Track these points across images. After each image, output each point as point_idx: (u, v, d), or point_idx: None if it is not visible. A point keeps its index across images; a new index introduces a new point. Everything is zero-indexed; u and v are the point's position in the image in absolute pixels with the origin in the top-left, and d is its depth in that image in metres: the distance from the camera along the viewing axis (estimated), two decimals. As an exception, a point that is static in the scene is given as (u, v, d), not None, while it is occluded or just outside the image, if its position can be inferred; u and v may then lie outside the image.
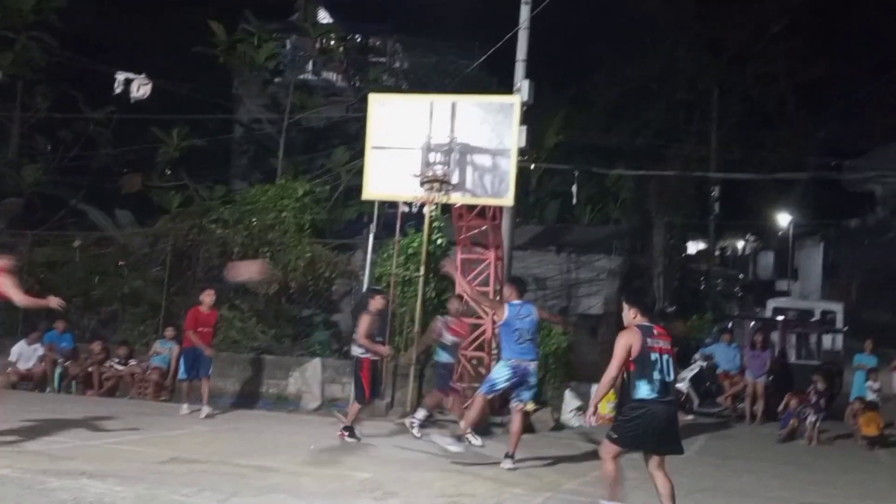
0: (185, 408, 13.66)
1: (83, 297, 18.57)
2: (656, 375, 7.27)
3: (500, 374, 10.43)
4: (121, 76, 20.71)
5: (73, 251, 18.74)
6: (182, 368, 13.94)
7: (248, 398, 16.35)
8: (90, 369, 16.58)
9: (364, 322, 11.78)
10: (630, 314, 7.60)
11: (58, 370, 16.90)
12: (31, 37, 22.13)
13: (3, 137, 22.14)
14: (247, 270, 12.38)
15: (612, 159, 22.66)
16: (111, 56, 21.97)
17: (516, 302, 10.58)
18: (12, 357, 17.09)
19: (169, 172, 22.72)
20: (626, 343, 7.35)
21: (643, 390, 7.26)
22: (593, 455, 11.81)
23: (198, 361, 13.66)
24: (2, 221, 20.22)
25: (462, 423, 10.84)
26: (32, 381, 16.74)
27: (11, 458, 9.03)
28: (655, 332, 7.43)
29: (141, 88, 19.89)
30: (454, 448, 10.44)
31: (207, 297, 13.86)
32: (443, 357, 12.83)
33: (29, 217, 21.03)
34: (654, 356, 7.30)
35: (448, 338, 12.71)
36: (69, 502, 7.44)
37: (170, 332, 16.72)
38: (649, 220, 25.08)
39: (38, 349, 17.12)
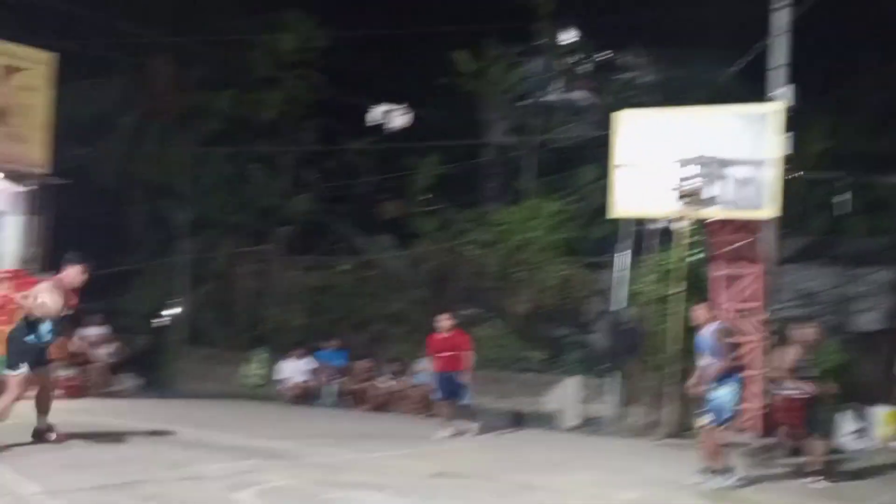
0: (441, 432, 13.10)
1: (351, 317, 19.62)
2: None
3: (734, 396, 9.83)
4: (379, 108, 21.83)
5: (340, 275, 19.87)
6: (437, 389, 13.64)
7: (506, 416, 16.58)
8: (361, 385, 17.40)
9: (790, 354, 10.64)
10: None
11: (332, 386, 17.89)
12: (297, 75, 23.77)
13: (275, 170, 23.89)
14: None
15: (886, 165, 21.08)
16: (369, 89, 23.19)
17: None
18: (281, 374, 18.33)
19: (425, 197, 23.58)
20: None
21: None
22: (875, 481, 11.05)
23: (451, 386, 13.23)
24: (277, 248, 21.81)
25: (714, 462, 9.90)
26: (307, 397, 17.82)
27: (292, 470, 9.62)
28: None
29: (399, 119, 20.84)
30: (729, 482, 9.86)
31: (443, 321, 13.41)
32: None
33: (301, 244, 22.55)
34: None
35: None
36: (347, 512, 7.84)
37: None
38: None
39: (307, 365, 18.22)
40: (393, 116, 21.70)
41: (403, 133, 22.13)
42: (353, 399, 17.55)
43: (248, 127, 23.69)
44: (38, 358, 9.98)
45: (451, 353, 13.19)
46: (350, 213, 24.05)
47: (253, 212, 22.74)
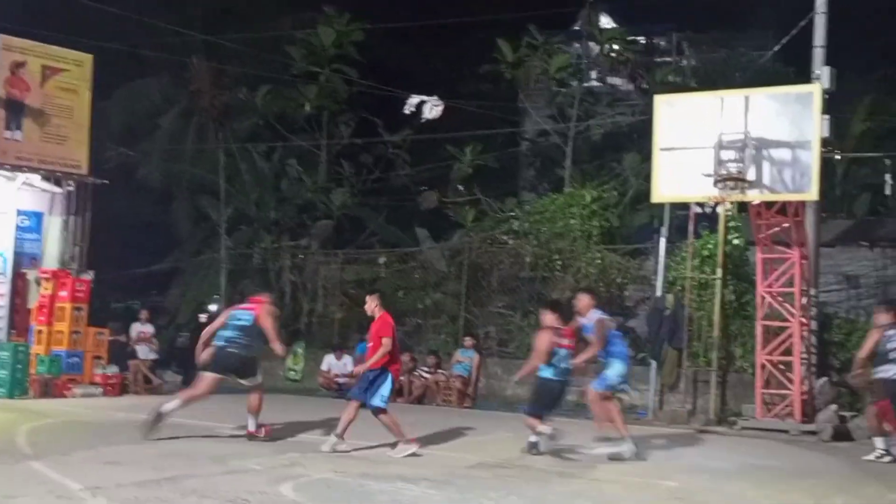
0: (330, 442, 10.49)
1: (389, 311, 19.59)
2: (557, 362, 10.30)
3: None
4: (412, 99, 21.80)
5: (378, 268, 19.92)
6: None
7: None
8: (400, 378, 17.44)
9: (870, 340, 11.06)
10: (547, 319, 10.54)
11: (369, 379, 17.93)
12: (334, 70, 23.85)
13: (312, 165, 23.99)
14: None
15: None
16: (404, 81, 23.19)
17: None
18: (325, 366, 18.43)
19: (462, 188, 23.54)
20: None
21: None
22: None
23: (363, 383, 10.64)
24: (315, 243, 21.91)
25: None
26: (343, 390, 17.85)
27: (334, 462, 9.67)
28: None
29: (433, 109, 20.80)
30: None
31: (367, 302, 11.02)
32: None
33: (338, 238, 22.64)
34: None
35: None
36: (388, 504, 7.84)
37: (468, 341, 17.33)
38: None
39: (348, 363, 18.26)
40: (429, 107, 21.65)
41: (441, 124, 22.12)
42: (393, 392, 17.56)
43: (285, 123, 23.81)
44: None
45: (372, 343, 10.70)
46: (387, 206, 24.08)
47: (291, 207, 22.85)
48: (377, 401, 10.43)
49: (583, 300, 10.96)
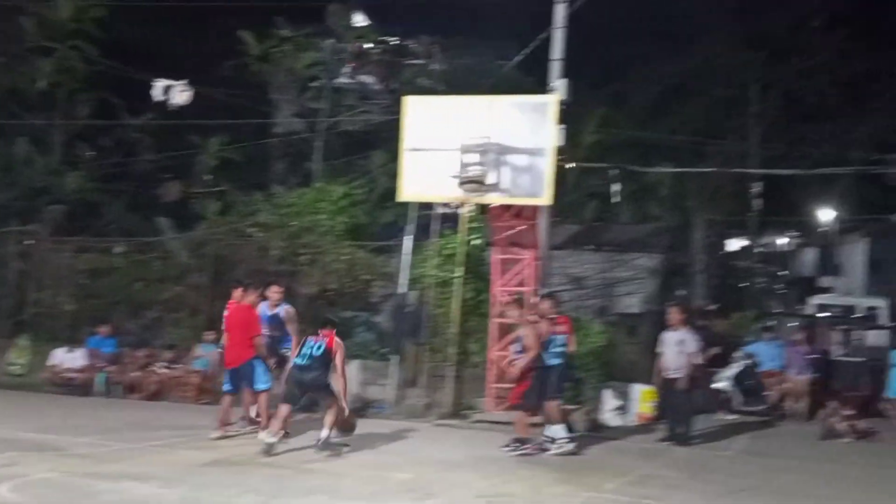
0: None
1: (126, 303, 18.81)
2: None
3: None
4: (159, 83, 20.97)
5: (115, 258, 19.01)
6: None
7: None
8: (134, 374, 16.74)
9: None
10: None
11: (102, 375, 17.10)
12: (72, 46, 22.49)
13: (45, 145, 22.51)
14: None
15: (651, 157, 22.51)
16: (151, 64, 22.26)
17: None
18: (53, 361, 17.36)
19: (208, 179, 22.94)
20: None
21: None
22: (634, 454, 11.79)
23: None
24: (45, 229, 20.53)
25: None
26: (76, 386, 16.93)
27: (57, 461, 9.21)
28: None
29: (181, 95, 20.11)
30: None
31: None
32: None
33: (71, 224, 21.35)
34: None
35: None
36: (114, 504, 7.56)
37: (209, 335, 16.87)
38: (689, 218, 24.96)
39: (80, 355, 17.33)
40: (175, 93, 20.93)
41: (187, 111, 21.41)
42: (125, 388, 16.85)
43: (15, 99, 22.17)
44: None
45: None
46: (127, 193, 23.03)
47: (20, 190, 21.31)
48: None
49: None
